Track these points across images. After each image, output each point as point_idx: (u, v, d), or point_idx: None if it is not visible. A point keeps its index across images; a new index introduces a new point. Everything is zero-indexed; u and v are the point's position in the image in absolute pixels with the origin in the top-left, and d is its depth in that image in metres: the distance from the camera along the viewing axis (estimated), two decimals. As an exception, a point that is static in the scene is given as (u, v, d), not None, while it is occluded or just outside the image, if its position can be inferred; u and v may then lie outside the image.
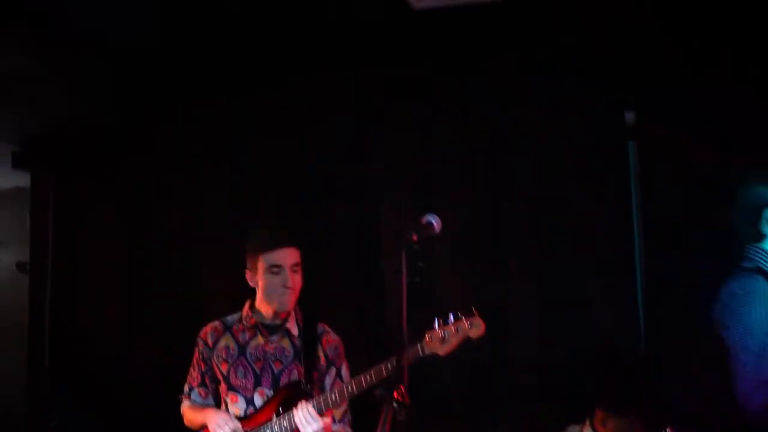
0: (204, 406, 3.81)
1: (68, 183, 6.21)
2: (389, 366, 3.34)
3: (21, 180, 6.53)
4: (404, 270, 2.93)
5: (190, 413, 3.81)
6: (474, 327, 3.32)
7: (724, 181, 4.37)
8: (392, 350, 3.20)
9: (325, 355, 3.67)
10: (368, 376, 3.39)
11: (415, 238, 2.99)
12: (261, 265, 3.57)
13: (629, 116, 4.85)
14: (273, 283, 3.56)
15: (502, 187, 5.09)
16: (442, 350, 3.31)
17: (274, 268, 3.55)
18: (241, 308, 3.80)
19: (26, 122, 5.96)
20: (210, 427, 3.61)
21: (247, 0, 4.25)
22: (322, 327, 3.73)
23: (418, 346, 3.31)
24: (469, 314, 3.33)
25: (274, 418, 3.54)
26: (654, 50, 4.74)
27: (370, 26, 4.56)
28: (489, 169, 5.12)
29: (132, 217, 6.03)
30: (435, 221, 3.09)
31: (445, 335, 3.30)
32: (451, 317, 3.34)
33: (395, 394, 2.92)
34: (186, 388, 3.86)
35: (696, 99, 4.71)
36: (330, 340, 3.70)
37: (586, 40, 4.74)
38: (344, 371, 3.70)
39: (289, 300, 3.59)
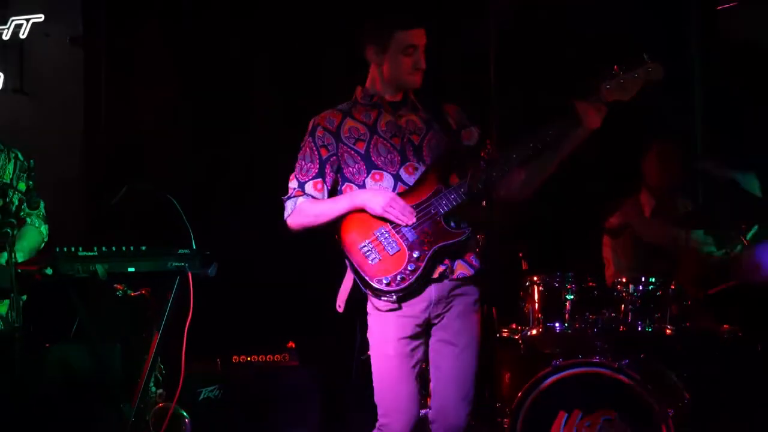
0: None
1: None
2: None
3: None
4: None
5: (312, 208, 3.52)
6: (654, 71, 3.38)
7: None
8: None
9: (456, 121, 3.63)
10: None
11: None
12: (394, 43, 3.48)
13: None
14: (405, 64, 3.48)
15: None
16: (626, 96, 3.38)
17: (410, 49, 3.47)
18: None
19: None
20: (373, 208, 3.40)
21: None
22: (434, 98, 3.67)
23: (599, 95, 3.37)
24: (641, 61, 3.38)
25: (444, 189, 3.44)
26: None
27: None
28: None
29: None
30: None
31: (624, 81, 3.36)
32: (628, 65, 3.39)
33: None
34: (294, 183, 3.55)
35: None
36: (452, 106, 3.66)
37: None
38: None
39: (419, 80, 3.53)
